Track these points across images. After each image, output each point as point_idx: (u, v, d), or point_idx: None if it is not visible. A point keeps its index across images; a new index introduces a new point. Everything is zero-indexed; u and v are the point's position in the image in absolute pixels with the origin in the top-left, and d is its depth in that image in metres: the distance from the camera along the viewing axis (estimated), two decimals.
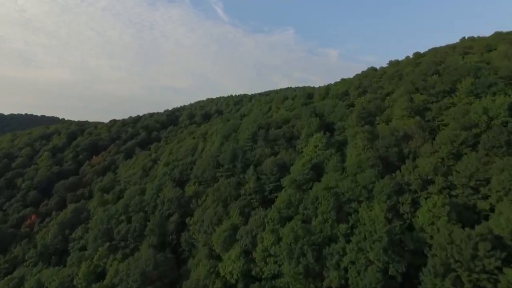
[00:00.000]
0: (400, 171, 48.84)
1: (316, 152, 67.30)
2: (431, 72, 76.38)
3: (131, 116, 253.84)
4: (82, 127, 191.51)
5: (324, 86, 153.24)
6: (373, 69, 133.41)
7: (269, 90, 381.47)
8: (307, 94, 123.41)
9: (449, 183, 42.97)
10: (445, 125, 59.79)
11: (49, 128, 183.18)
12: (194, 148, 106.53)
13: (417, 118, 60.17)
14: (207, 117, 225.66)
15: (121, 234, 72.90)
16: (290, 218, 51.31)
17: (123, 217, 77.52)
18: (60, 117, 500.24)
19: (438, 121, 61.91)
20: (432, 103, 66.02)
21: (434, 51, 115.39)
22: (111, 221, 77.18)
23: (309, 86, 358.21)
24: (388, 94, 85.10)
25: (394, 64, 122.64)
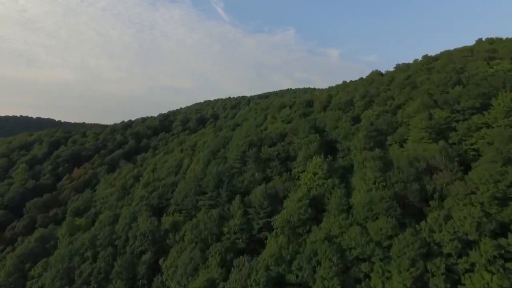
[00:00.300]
0: (426, 221, 36.83)
1: (315, 181, 55.40)
2: (452, 82, 64.25)
3: (123, 121, 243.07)
4: (69, 134, 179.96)
5: (326, 90, 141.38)
6: (378, 73, 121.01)
7: (269, 92, 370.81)
8: (307, 102, 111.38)
9: (503, 251, 30.92)
10: (477, 151, 47.98)
11: (32, 136, 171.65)
12: (179, 164, 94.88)
13: (442, 143, 48.05)
14: (202, 121, 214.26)
15: (83, 276, 61.34)
16: (280, 279, 39.52)
17: (88, 253, 65.90)
18: (57, 119, 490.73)
19: (466, 145, 50.00)
20: (457, 121, 53.98)
21: (448, 54, 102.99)
22: (74, 258, 65.64)
23: (309, 88, 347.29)
24: (399, 106, 73.06)
25: (402, 68, 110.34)
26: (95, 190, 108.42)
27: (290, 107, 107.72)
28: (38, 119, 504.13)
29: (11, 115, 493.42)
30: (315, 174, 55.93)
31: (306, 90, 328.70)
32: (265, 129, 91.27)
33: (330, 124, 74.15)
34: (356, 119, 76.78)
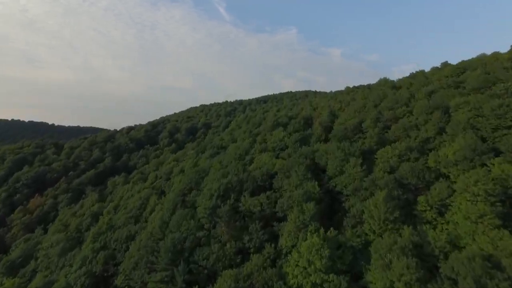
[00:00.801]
0: None
1: (310, 274, 35.89)
2: (511, 112, 44.31)
3: (109, 130, 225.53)
4: (41, 149, 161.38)
5: (327, 99, 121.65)
6: (389, 83, 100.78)
7: (268, 95, 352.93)
8: (304, 120, 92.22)
9: None
10: None
11: None
12: (143, 205, 75.56)
13: None
14: (192, 131, 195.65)
15: None
16: None
17: None
18: (50, 122, 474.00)
19: None
20: None
21: (479, 63, 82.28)
22: None
23: (310, 91, 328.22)
24: (427, 140, 53.41)
25: (420, 80, 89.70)
26: (46, 230, 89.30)
27: (285, 126, 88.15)
28: (30, 122, 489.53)
29: (2, 118, 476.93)
30: (310, 263, 36.36)
31: (306, 93, 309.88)
32: (251, 161, 71.66)
33: (333, 166, 54.45)
34: (368, 155, 57.25)
